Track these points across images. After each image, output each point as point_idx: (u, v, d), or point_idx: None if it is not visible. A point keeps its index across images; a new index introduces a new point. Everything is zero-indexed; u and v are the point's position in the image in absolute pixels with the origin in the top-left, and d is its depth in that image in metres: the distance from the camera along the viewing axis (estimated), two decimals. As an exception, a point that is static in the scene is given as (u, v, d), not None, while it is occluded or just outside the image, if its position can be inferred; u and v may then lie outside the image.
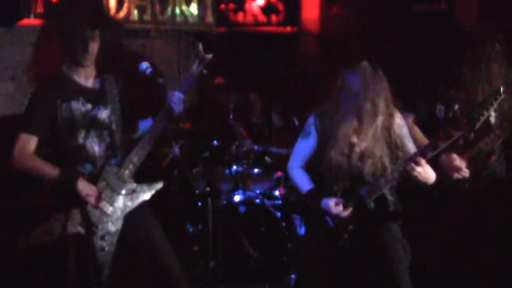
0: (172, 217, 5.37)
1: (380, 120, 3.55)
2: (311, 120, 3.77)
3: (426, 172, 3.39)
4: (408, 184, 3.48)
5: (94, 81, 3.61)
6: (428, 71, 5.18)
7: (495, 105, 3.21)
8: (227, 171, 5.72)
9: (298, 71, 7.48)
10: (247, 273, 5.15)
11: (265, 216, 5.32)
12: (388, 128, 3.61)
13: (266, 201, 5.40)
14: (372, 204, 3.57)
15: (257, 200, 5.42)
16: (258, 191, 5.56)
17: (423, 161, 3.36)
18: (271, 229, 5.28)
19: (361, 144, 3.58)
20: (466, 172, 3.77)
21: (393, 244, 3.54)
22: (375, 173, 3.57)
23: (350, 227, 3.58)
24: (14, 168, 3.43)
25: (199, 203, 5.57)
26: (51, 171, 3.42)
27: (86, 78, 3.58)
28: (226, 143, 5.90)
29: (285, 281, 5.03)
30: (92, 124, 3.51)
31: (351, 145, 3.60)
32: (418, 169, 3.36)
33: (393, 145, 3.62)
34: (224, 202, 5.44)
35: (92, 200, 3.43)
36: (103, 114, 3.56)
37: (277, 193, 5.56)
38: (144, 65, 3.51)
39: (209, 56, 3.62)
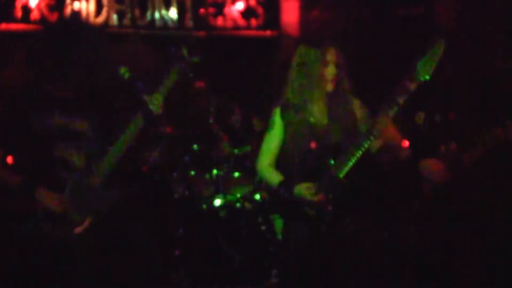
0: (152, 221, 5.36)
1: (332, 97, 3.62)
2: (276, 110, 3.79)
3: (392, 132, 3.43)
4: (373, 157, 3.50)
5: (70, 91, 3.55)
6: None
7: (441, 54, 3.26)
8: (207, 175, 5.71)
9: (278, 75, 7.48)
10: (228, 276, 5.14)
11: (245, 220, 5.32)
12: (349, 112, 3.67)
13: (247, 205, 5.40)
14: (344, 180, 3.56)
15: (238, 204, 5.41)
16: (238, 195, 5.55)
17: (387, 120, 3.38)
18: (252, 232, 5.28)
19: (320, 124, 3.63)
20: (446, 174, 3.81)
21: (368, 243, 3.57)
22: (340, 150, 3.58)
23: (329, 208, 3.56)
24: None
25: (180, 208, 5.56)
26: (12, 180, 3.39)
27: (63, 89, 3.52)
28: (207, 147, 5.89)
29: (266, 284, 5.02)
30: (69, 135, 3.47)
31: (311, 127, 3.64)
32: (383, 129, 3.38)
33: (354, 127, 3.67)
34: (205, 206, 5.43)
35: (54, 206, 3.39)
36: (79, 123, 3.51)
37: (257, 197, 5.56)
38: (123, 69, 3.48)
39: (195, 58, 3.60)
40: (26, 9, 7.06)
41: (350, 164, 3.50)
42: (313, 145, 3.63)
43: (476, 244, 3.95)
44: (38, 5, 7.07)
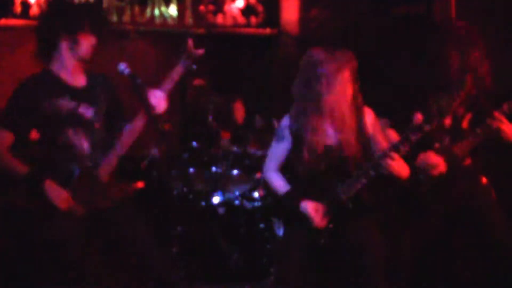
0: (151, 219, 5.35)
1: (343, 112, 3.59)
2: (284, 122, 3.77)
3: (400, 167, 3.43)
4: (383, 178, 3.50)
5: (81, 79, 3.60)
6: (407, 74, 5.20)
7: (463, 94, 3.24)
8: (206, 172, 5.71)
9: (278, 72, 7.49)
10: (227, 274, 5.14)
11: (244, 217, 5.32)
12: (359, 124, 3.64)
13: (245, 203, 5.40)
14: (350, 205, 3.57)
15: (236, 202, 5.41)
16: (237, 193, 5.56)
17: (396, 156, 3.39)
18: (250, 230, 5.28)
19: (327, 139, 3.60)
20: (443, 168, 3.81)
21: (370, 243, 3.57)
22: (349, 170, 3.58)
23: (330, 225, 3.57)
24: None
25: (178, 205, 5.56)
26: (20, 169, 3.40)
27: (73, 76, 3.57)
28: (205, 144, 5.89)
29: (265, 282, 5.02)
30: (78, 121, 3.50)
31: (319, 142, 3.62)
32: (392, 164, 3.39)
33: (366, 142, 3.65)
34: (203, 203, 5.43)
35: (60, 202, 3.40)
36: (89, 112, 3.54)
37: (256, 194, 5.56)
38: (122, 66, 3.49)
39: (200, 51, 3.61)
40: (25, 4, 7.04)
41: (356, 188, 3.52)
42: (323, 164, 3.62)
43: (475, 245, 3.96)
44: (37, 1, 7.05)
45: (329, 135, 3.62)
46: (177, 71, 3.60)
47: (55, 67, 3.55)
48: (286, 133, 3.74)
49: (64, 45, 3.49)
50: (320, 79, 3.56)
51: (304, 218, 3.59)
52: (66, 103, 3.49)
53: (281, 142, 3.79)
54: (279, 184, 3.79)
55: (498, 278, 3.87)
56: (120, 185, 3.59)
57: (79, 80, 3.59)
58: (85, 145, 3.51)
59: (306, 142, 3.63)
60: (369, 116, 3.72)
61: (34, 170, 3.41)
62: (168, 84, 3.57)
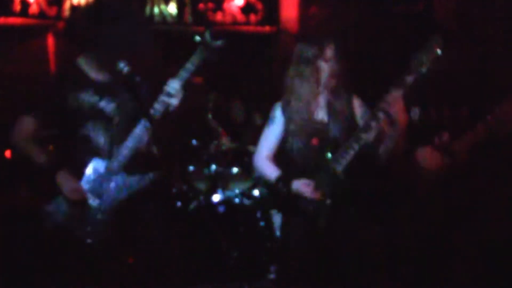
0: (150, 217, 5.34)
1: (333, 94, 3.60)
2: (277, 106, 3.78)
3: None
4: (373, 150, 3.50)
5: (105, 74, 3.61)
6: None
7: (438, 49, 3.26)
8: (205, 170, 5.71)
9: (277, 70, 7.48)
10: (226, 273, 5.14)
11: (244, 216, 5.32)
12: (349, 108, 3.65)
13: (245, 201, 5.40)
14: (342, 175, 3.55)
15: (236, 200, 5.41)
16: (237, 191, 5.55)
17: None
18: (250, 229, 5.27)
19: (320, 120, 3.62)
20: (440, 162, 3.82)
21: (370, 240, 3.57)
22: (339, 145, 3.57)
23: (327, 202, 3.55)
24: (11, 145, 3.64)
25: (178, 203, 5.56)
26: (38, 156, 3.49)
27: (99, 71, 3.59)
28: (205, 142, 5.89)
29: (265, 280, 5.02)
30: (98, 115, 3.54)
31: (312, 123, 3.63)
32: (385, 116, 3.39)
33: (355, 124, 3.66)
34: (203, 202, 5.43)
35: (71, 193, 3.43)
36: (109, 107, 3.57)
37: (256, 192, 5.56)
38: (121, 64, 3.49)
39: (218, 42, 3.62)
40: (24, 3, 7.03)
41: (349, 158, 3.50)
42: (314, 141, 3.62)
43: (474, 242, 3.96)
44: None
45: (321, 115, 3.64)
46: (193, 63, 3.60)
47: (82, 62, 3.60)
48: (278, 115, 3.75)
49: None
50: (310, 67, 3.60)
51: (299, 201, 3.59)
52: (88, 97, 3.54)
53: (272, 125, 3.78)
54: (269, 169, 3.78)
55: (498, 278, 3.88)
56: (135, 176, 3.61)
57: (103, 76, 3.61)
58: (101, 139, 3.55)
59: (297, 121, 3.64)
60: (357, 102, 3.72)
61: (50, 160, 3.47)
62: (184, 76, 3.58)
